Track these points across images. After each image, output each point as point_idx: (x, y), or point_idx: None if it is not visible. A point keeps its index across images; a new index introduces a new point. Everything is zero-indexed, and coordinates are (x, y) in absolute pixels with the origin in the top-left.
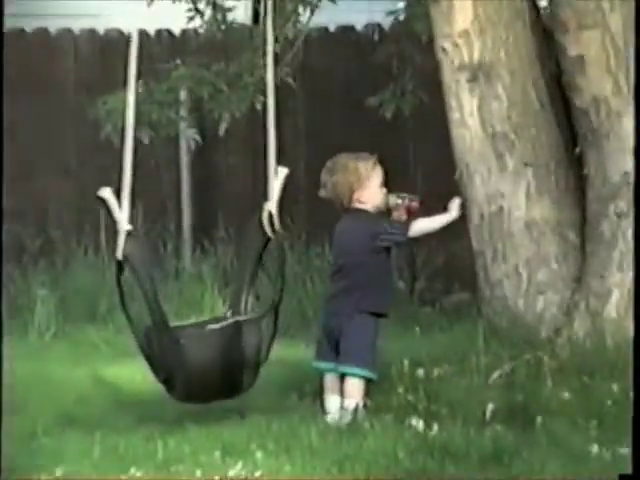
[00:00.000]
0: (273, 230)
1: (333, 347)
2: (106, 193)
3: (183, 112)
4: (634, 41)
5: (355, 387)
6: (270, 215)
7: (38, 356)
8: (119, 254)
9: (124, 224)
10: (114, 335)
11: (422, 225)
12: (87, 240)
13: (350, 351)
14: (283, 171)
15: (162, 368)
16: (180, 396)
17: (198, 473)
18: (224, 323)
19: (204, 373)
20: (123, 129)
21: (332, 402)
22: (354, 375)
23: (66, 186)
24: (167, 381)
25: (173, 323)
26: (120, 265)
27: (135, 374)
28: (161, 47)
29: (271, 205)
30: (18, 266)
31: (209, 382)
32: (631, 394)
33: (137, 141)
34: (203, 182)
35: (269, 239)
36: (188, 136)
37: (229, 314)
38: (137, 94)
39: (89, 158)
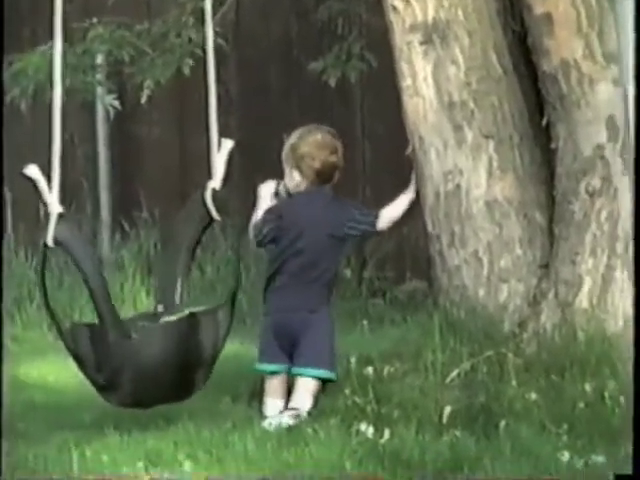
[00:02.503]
0: (218, 211)
1: (285, 346)
2: (33, 172)
3: (100, 77)
4: (634, 40)
5: (311, 389)
6: (215, 194)
7: None
8: (49, 239)
9: (55, 206)
10: (22, 331)
11: (390, 214)
12: (22, 231)
13: (312, 351)
14: (227, 144)
15: (103, 369)
16: (124, 400)
17: None
18: (180, 315)
19: (156, 371)
20: (35, 93)
21: (274, 406)
22: (316, 377)
23: None
24: (109, 383)
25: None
26: (45, 253)
27: (47, 375)
28: (74, 3)
29: (215, 183)
30: None
31: (161, 382)
32: (631, 393)
33: (47, 108)
34: (123, 157)
35: (211, 221)
36: (106, 103)
37: (160, 308)
38: (46, 55)
39: None
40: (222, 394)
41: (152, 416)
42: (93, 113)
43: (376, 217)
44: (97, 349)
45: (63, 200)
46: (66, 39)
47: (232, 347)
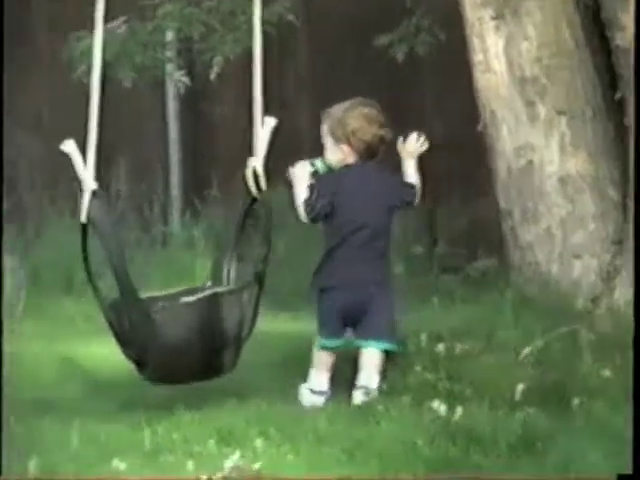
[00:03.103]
0: (259, 189)
1: (348, 320)
2: (69, 147)
3: (170, 54)
4: (634, 41)
5: (377, 364)
6: (255, 172)
7: (7, 334)
8: (83, 216)
9: (89, 182)
10: (93, 309)
11: (419, 185)
12: (62, 202)
13: (377, 323)
14: (271, 122)
15: (132, 346)
16: (152, 377)
17: (190, 464)
18: (200, 295)
19: (178, 351)
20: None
21: (320, 381)
22: (380, 349)
23: (38, 141)
24: (139, 360)
25: (147, 294)
26: (85, 229)
27: (118, 353)
28: None
29: (256, 160)
30: None
31: (184, 361)
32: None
33: (118, 86)
34: (193, 134)
35: (254, 200)
36: (176, 80)
37: (209, 284)
38: (116, 34)
39: (64, 108)
40: (292, 372)
41: (224, 394)
42: (163, 90)
43: (413, 188)
44: (124, 328)
45: (134, 178)
46: (136, 16)
47: (301, 325)
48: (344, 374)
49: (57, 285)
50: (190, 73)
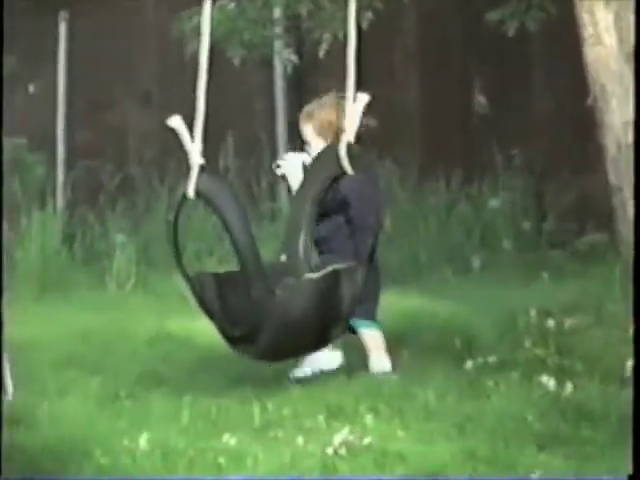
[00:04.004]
0: (352, 165)
1: None
2: (175, 122)
3: (279, 30)
4: (634, 40)
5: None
6: (350, 147)
7: (117, 309)
8: (190, 191)
9: (196, 157)
10: None
11: None
12: (171, 178)
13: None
14: (363, 98)
15: (244, 322)
16: (259, 354)
17: (300, 439)
18: (323, 272)
19: (297, 327)
20: (210, 48)
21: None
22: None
23: (147, 117)
24: (245, 337)
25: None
26: (181, 204)
27: None
28: None
29: (349, 136)
30: (94, 208)
31: (299, 337)
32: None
33: (227, 63)
34: (300, 111)
35: (342, 174)
36: (284, 57)
37: (283, 258)
38: (225, 10)
39: (172, 84)
40: (401, 348)
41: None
42: (271, 68)
43: None
44: (236, 302)
45: (242, 154)
46: None
47: (411, 300)
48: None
49: (166, 260)
50: (298, 51)
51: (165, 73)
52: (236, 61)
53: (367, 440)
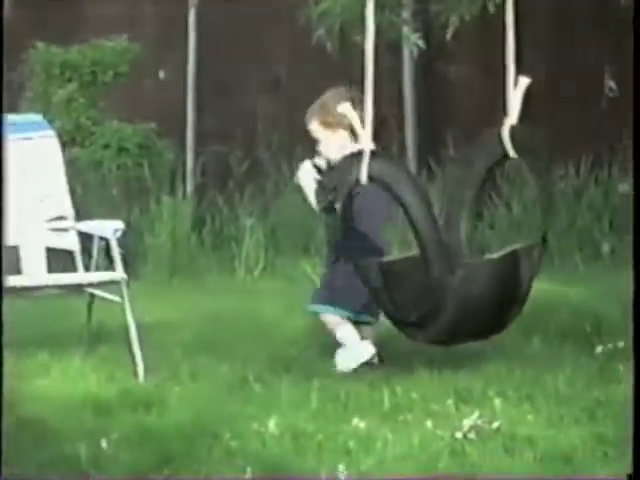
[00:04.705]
0: (515, 149)
1: None
2: (345, 108)
3: (406, 15)
4: (633, 44)
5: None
6: (513, 131)
7: (246, 293)
8: (363, 176)
9: (368, 142)
10: None
11: None
12: (299, 163)
13: None
14: (524, 81)
15: (423, 304)
16: (436, 336)
17: (429, 423)
18: (502, 252)
19: (476, 308)
20: (341, 32)
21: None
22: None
23: (276, 102)
24: (422, 320)
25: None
26: (352, 189)
27: None
28: None
29: (512, 119)
30: (223, 192)
31: (478, 319)
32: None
33: (356, 48)
34: (428, 95)
35: (504, 158)
36: (411, 42)
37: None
38: None
39: (301, 69)
40: (532, 334)
41: (463, 355)
42: (399, 52)
43: None
44: (411, 286)
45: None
46: None
47: (541, 287)
48: None
49: (295, 246)
50: (425, 34)
51: (294, 58)
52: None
53: (496, 424)
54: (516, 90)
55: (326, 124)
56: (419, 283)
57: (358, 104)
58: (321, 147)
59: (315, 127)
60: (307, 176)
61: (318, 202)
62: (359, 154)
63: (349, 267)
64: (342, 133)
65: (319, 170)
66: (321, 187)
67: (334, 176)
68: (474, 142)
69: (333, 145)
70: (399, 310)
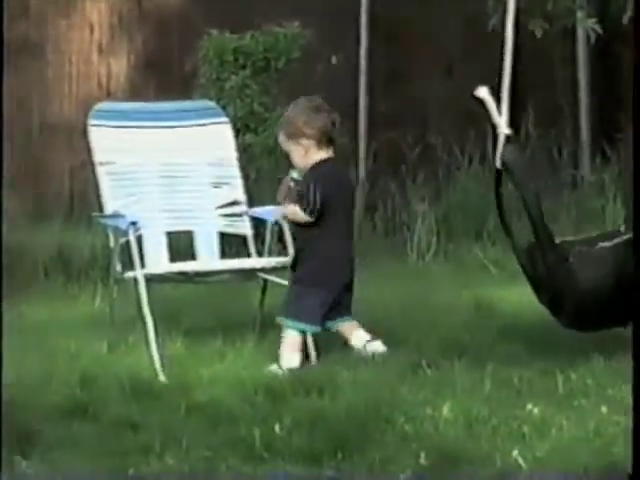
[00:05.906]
0: None
1: None
2: (483, 93)
3: (581, 1)
4: (633, 41)
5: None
6: None
7: (419, 278)
8: (498, 162)
9: (504, 128)
10: (502, 255)
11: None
12: (472, 148)
13: None
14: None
15: (547, 291)
16: (567, 320)
17: (604, 408)
18: (616, 240)
19: (593, 295)
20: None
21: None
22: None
23: (448, 87)
24: (552, 303)
25: (562, 238)
26: (499, 175)
27: (527, 298)
28: None
29: None
30: (395, 178)
31: (599, 306)
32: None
33: (528, 34)
34: (603, 78)
35: None
36: (587, 27)
37: (622, 228)
38: None
39: (474, 55)
40: None
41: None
42: (573, 37)
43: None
44: (538, 271)
45: (544, 123)
46: None
47: None
48: None
49: (467, 231)
50: (601, 18)
51: (467, 43)
52: (538, 32)
53: None
54: None
55: (290, 135)
56: (543, 268)
57: (321, 112)
58: (292, 158)
59: (282, 140)
60: (281, 192)
61: (306, 213)
62: (326, 161)
63: None
64: (305, 142)
65: (296, 182)
66: (299, 196)
67: (310, 182)
68: None
69: (299, 155)
70: (539, 293)
